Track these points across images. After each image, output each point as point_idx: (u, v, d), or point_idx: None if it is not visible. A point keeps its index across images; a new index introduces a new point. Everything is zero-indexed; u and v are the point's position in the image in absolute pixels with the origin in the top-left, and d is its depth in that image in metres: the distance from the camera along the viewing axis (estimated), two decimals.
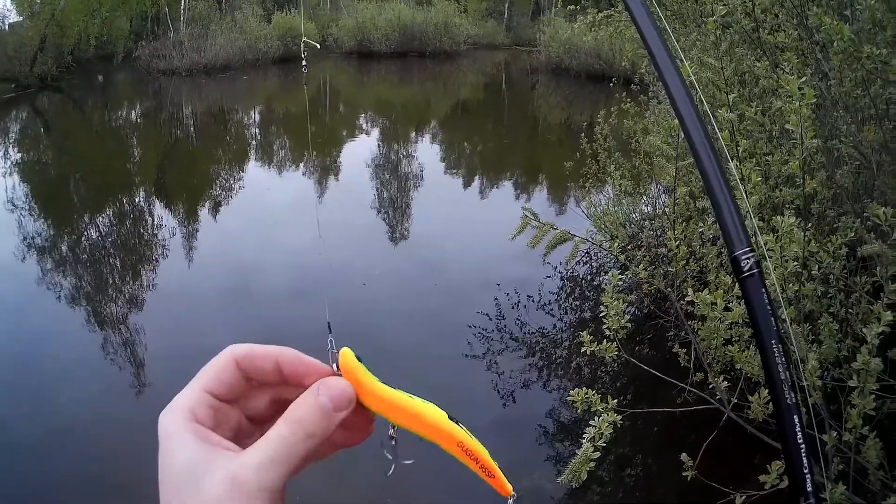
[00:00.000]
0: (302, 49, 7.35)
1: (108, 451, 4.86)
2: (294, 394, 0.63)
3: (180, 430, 0.60)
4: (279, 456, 0.59)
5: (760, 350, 0.96)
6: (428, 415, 0.64)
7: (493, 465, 0.66)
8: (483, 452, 0.66)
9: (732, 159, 2.87)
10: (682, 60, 1.21)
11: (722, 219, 1.02)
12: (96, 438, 5.03)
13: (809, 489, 0.96)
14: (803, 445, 0.96)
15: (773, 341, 0.95)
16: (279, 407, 0.64)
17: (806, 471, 0.97)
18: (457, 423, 0.66)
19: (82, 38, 24.19)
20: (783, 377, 0.95)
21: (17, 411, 5.32)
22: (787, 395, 0.96)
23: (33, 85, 20.81)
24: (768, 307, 0.96)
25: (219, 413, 0.63)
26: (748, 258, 0.98)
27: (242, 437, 0.65)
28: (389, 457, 0.68)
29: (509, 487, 0.67)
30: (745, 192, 1.96)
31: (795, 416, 0.96)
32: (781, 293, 2.62)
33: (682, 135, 3.68)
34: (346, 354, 0.64)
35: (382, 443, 0.68)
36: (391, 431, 0.67)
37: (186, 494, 0.57)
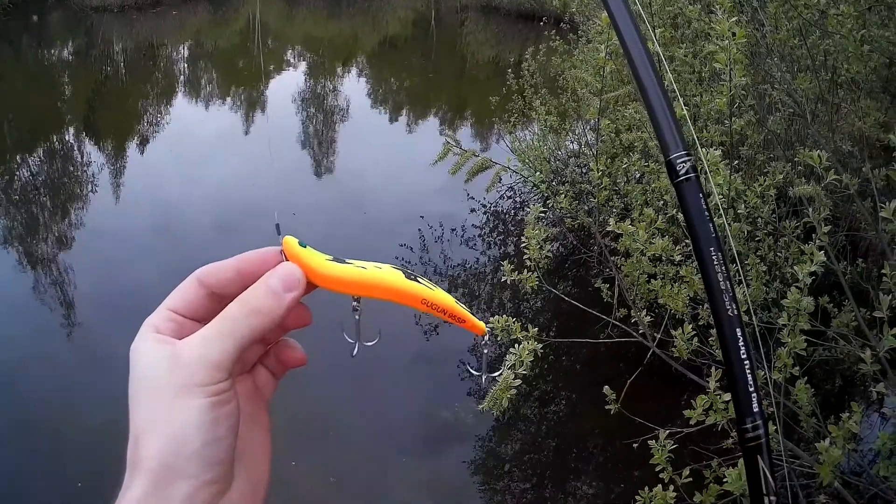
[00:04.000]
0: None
1: (35, 392, 4.79)
2: None
3: (142, 342, 0.60)
4: (223, 329, 0.59)
5: (698, 258, 0.91)
6: (384, 280, 0.64)
7: (461, 310, 0.67)
8: (448, 301, 0.66)
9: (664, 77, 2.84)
10: None
11: (656, 122, 0.95)
12: (23, 379, 4.94)
13: (755, 409, 0.91)
14: (747, 361, 0.91)
15: (711, 249, 0.89)
16: None
17: (751, 388, 0.92)
18: (415, 278, 0.66)
19: None
20: (724, 287, 0.90)
21: None
22: (728, 307, 0.91)
23: None
24: (706, 213, 0.90)
25: (183, 329, 0.63)
26: (684, 162, 0.92)
27: None
28: (350, 341, 0.69)
29: (482, 325, 0.68)
30: (680, 97, 1.92)
31: (738, 329, 0.91)
32: (719, 195, 2.58)
33: (607, 69, 3.68)
34: (289, 242, 0.64)
35: (343, 326, 0.69)
36: (354, 304, 0.67)
37: (140, 389, 0.58)
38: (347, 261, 0.65)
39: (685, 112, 2.38)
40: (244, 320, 0.59)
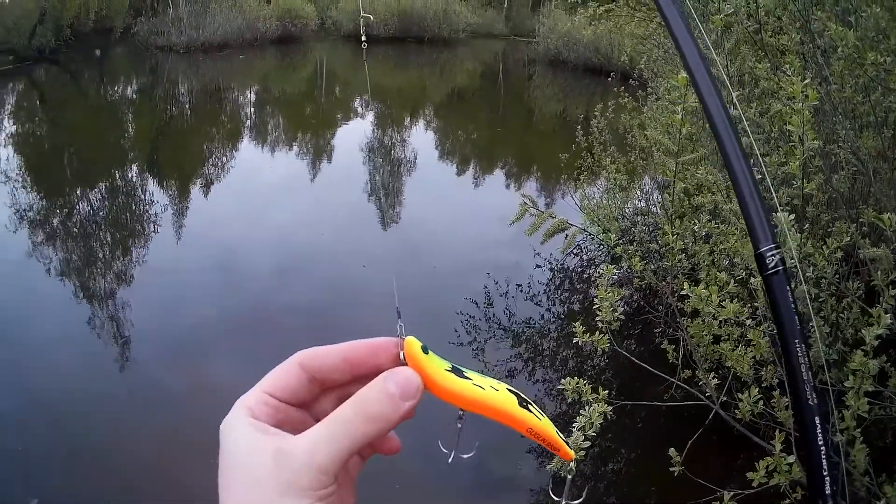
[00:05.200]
0: (361, 25, 7.39)
1: (88, 425, 4.84)
2: None
3: (236, 424, 0.59)
4: (335, 434, 0.58)
5: (784, 349, 0.94)
6: (499, 404, 0.65)
7: (558, 440, 0.68)
8: (550, 431, 0.68)
9: (751, 157, 2.87)
10: (709, 50, 1.20)
11: (747, 213, 0.99)
12: (77, 412, 4.98)
13: (828, 491, 0.95)
14: (823, 447, 0.94)
15: (796, 341, 0.93)
16: None
17: (825, 472, 0.95)
18: (527, 405, 0.67)
19: (81, 12, 23.98)
20: (806, 378, 0.94)
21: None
22: (808, 396, 0.94)
23: (31, 57, 20.51)
24: (793, 306, 0.94)
25: (280, 413, 0.62)
26: (773, 255, 0.95)
27: None
28: (444, 450, 0.71)
29: (572, 453, 0.70)
30: (773, 186, 1.95)
31: (817, 418, 0.94)
32: (809, 295, 2.60)
33: (683, 130, 3.71)
34: (412, 344, 0.64)
35: (443, 436, 0.71)
36: (460, 413, 0.67)
37: (235, 477, 0.57)
38: (466, 373, 0.66)
39: (776, 200, 2.39)
40: (357, 425, 0.58)
